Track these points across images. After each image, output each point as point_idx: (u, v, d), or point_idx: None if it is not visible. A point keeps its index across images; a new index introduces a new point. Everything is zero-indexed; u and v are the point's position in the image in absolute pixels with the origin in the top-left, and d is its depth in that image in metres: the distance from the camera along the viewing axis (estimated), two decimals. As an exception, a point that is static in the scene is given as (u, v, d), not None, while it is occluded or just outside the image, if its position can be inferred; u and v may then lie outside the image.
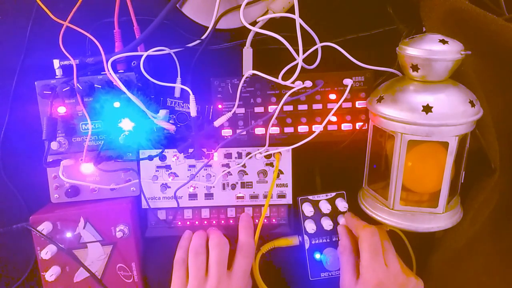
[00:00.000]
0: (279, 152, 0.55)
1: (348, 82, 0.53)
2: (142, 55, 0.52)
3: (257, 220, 0.56)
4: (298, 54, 0.50)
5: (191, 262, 0.50)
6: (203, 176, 0.56)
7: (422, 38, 0.46)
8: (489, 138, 0.49)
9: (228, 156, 0.55)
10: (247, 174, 0.56)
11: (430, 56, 0.44)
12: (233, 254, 0.52)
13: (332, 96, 0.54)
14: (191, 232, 0.55)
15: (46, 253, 0.51)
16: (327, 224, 0.55)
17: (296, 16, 0.48)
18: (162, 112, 0.52)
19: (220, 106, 0.54)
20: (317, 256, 0.55)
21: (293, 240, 0.56)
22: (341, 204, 0.55)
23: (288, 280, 0.58)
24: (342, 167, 0.58)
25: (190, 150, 0.54)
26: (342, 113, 0.54)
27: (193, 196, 0.56)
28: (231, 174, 0.56)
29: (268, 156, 0.55)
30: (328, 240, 0.56)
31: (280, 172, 0.56)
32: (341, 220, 0.55)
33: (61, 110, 0.51)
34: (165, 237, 0.56)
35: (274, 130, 0.54)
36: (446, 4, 0.49)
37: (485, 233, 0.53)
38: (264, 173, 0.56)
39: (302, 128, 0.54)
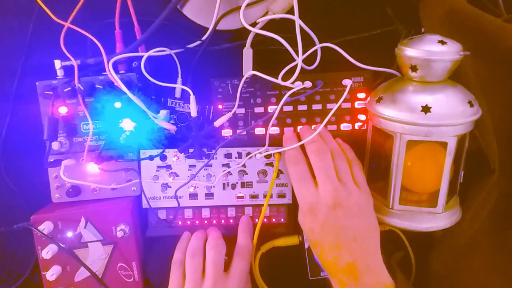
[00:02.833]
0: (279, 152, 0.55)
1: (347, 82, 0.53)
2: (143, 56, 0.52)
3: (256, 220, 0.56)
4: (297, 54, 0.50)
5: (188, 263, 0.51)
6: (203, 176, 0.56)
7: (421, 38, 0.46)
8: (488, 138, 0.49)
9: (228, 156, 0.55)
10: (247, 174, 0.56)
11: (429, 56, 0.44)
12: (231, 256, 0.52)
13: (332, 97, 0.54)
14: (189, 234, 0.55)
15: (47, 252, 0.51)
16: (326, 223, 0.55)
17: (295, 17, 0.48)
18: (163, 112, 0.52)
19: (220, 107, 0.54)
20: (317, 255, 0.56)
21: (293, 240, 0.56)
22: (341, 204, 0.55)
23: (287, 279, 0.58)
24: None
25: (191, 150, 0.54)
26: (342, 113, 0.54)
27: (193, 196, 0.56)
28: (231, 174, 0.56)
29: (268, 156, 0.55)
30: (327, 240, 0.56)
31: (280, 172, 0.56)
32: None
33: (62, 110, 0.52)
34: (166, 237, 0.56)
35: (274, 130, 0.54)
36: (445, 5, 0.49)
37: (484, 233, 0.53)
38: (264, 173, 0.56)
39: (302, 128, 0.54)
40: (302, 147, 0.51)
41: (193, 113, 0.52)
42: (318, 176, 0.48)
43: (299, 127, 0.54)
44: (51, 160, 0.53)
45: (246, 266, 0.52)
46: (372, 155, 0.54)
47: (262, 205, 0.56)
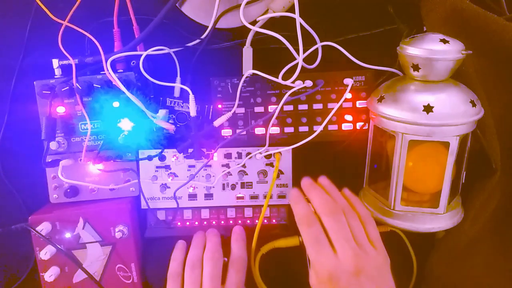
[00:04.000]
0: (279, 152, 0.55)
1: (348, 81, 0.53)
2: (141, 55, 0.51)
3: (256, 220, 0.55)
4: (298, 53, 0.49)
5: (187, 275, 0.50)
6: (202, 176, 0.55)
7: (423, 37, 0.45)
8: (490, 138, 0.49)
9: (228, 156, 0.55)
10: (247, 174, 0.56)
11: (431, 55, 0.44)
12: (227, 267, 0.51)
13: (333, 96, 0.53)
14: (184, 243, 0.55)
15: (45, 253, 0.51)
16: (327, 224, 0.54)
17: (296, 16, 0.48)
18: (162, 112, 0.51)
19: (220, 106, 0.54)
20: (317, 256, 0.55)
21: (293, 241, 0.56)
22: (342, 204, 0.55)
23: (288, 281, 0.58)
24: (343, 167, 0.58)
25: (190, 150, 0.54)
26: (343, 113, 0.54)
27: (192, 197, 0.56)
28: (231, 174, 0.56)
29: (268, 156, 0.55)
30: (328, 241, 0.56)
31: (280, 172, 0.55)
32: None
33: (60, 110, 0.51)
34: (165, 238, 0.56)
35: (274, 130, 0.54)
36: (446, 4, 0.48)
37: (486, 234, 0.53)
38: (264, 173, 0.55)
39: (302, 128, 0.54)
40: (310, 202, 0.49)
41: (192, 113, 0.52)
42: (335, 240, 0.45)
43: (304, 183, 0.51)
44: (49, 160, 0.52)
45: (242, 277, 0.51)
46: (374, 155, 0.53)
47: (263, 205, 0.55)
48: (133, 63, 0.53)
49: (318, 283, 0.45)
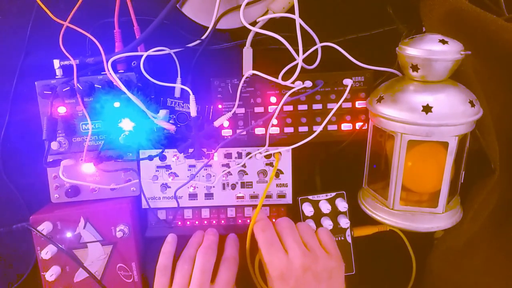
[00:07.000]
0: (279, 152, 0.55)
1: (348, 82, 0.53)
2: (142, 55, 0.52)
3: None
4: (298, 54, 0.50)
5: (177, 268, 0.50)
6: (203, 176, 0.56)
7: (422, 38, 0.46)
8: (489, 138, 0.49)
9: (228, 156, 0.55)
10: (247, 174, 0.56)
11: (430, 56, 0.44)
12: (218, 266, 0.52)
13: (332, 96, 0.54)
14: (174, 236, 0.55)
15: (46, 253, 0.51)
16: (327, 224, 0.55)
17: (296, 16, 0.48)
18: (162, 112, 0.52)
19: (220, 106, 0.54)
20: (317, 256, 0.55)
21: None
22: (341, 204, 0.55)
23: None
24: (342, 167, 0.58)
25: (190, 150, 0.54)
26: (342, 113, 0.54)
27: (193, 196, 0.56)
28: (231, 174, 0.56)
29: (268, 156, 0.55)
30: (328, 240, 0.56)
31: (280, 172, 0.56)
32: (341, 220, 0.55)
33: (61, 110, 0.52)
34: (165, 237, 0.56)
35: (274, 130, 0.54)
36: (446, 4, 0.49)
37: (485, 233, 0.53)
38: (264, 173, 0.56)
39: (302, 128, 0.54)
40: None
41: (193, 113, 0.52)
42: (286, 241, 0.49)
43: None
44: (50, 160, 0.52)
45: (232, 276, 0.51)
46: (373, 155, 0.54)
47: (263, 205, 0.55)
48: (134, 63, 0.53)
49: (271, 284, 0.48)
